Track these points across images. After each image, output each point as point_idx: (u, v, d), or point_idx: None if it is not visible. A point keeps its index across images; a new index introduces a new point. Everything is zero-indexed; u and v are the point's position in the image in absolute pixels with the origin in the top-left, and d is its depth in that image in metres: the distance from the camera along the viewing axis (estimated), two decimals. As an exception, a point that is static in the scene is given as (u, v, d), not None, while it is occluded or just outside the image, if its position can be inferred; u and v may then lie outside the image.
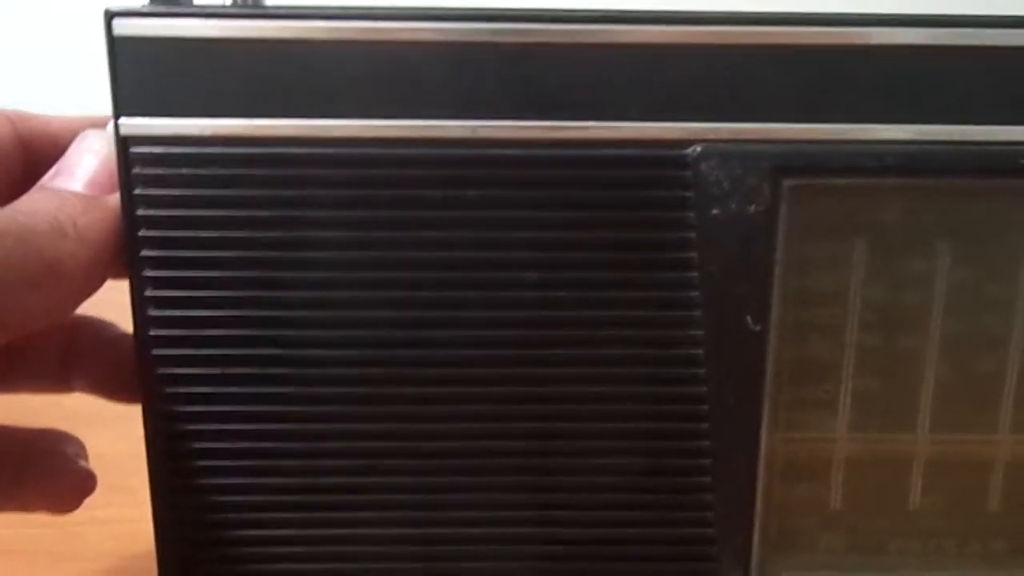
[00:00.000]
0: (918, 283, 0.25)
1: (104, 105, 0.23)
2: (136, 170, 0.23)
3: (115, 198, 0.23)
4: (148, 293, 0.24)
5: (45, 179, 0.24)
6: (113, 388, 0.26)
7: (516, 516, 0.26)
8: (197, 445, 0.24)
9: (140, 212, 0.23)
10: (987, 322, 0.26)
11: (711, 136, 0.23)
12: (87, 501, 0.27)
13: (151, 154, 0.23)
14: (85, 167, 0.24)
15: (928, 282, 0.25)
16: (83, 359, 0.26)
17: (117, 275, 0.24)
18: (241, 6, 0.24)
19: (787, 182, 0.23)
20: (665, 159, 0.23)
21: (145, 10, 0.23)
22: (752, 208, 0.23)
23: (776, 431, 0.26)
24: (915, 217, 0.25)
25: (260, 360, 0.24)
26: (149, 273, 0.23)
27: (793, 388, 0.26)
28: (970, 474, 0.27)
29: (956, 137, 0.23)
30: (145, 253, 0.23)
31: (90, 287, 0.23)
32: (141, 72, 0.23)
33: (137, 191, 0.23)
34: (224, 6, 0.24)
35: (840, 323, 0.25)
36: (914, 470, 0.27)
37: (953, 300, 0.25)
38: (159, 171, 0.23)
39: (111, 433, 0.30)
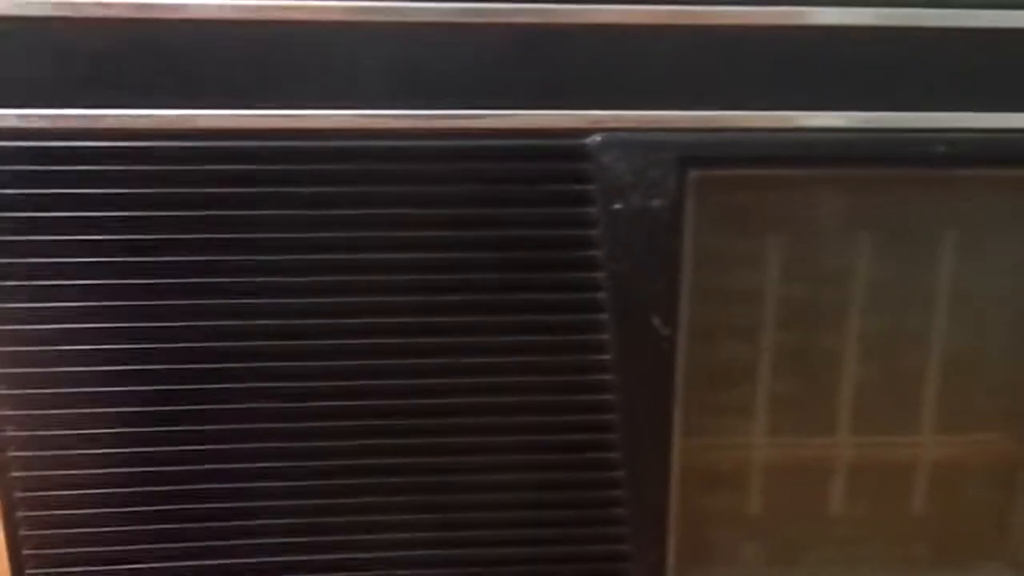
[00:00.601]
0: (837, 279, 0.24)
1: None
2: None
3: None
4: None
5: None
6: None
7: (412, 538, 0.24)
8: (38, 472, 0.22)
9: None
10: (908, 319, 0.24)
11: (612, 124, 0.21)
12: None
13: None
14: None
15: (847, 278, 0.24)
16: None
17: None
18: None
19: (694, 173, 0.22)
20: (562, 150, 0.21)
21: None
22: (657, 202, 0.22)
23: (690, 438, 0.24)
24: (833, 210, 0.23)
25: (103, 377, 0.22)
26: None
27: (707, 392, 0.24)
28: (892, 478, 0.26)
29: (870, 124, 0.21)
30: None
31: None
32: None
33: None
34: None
35: (756, 323, 0.24)
36: (835, 475, 0.25)
37: (873, 297, 0.24)
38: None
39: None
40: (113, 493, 0.23)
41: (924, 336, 0.24)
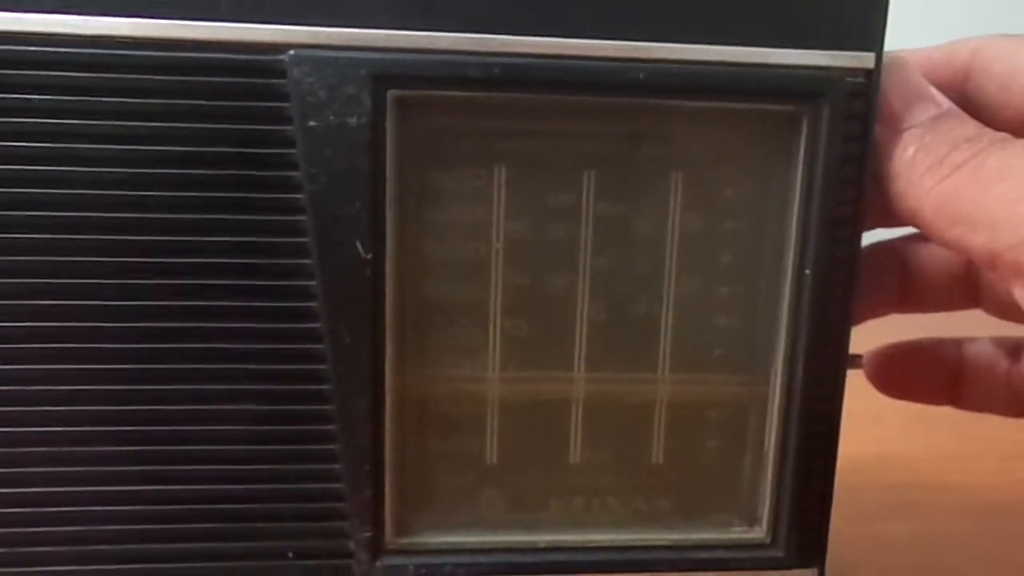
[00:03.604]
0: (564, 216, 0.24)
1: None
2: None
3: None
4: None
5: None
6: None
7: (113, 473, 0.23)
8: None
9: None
10: (637, 258, 0.24)
11: (306, 41, 0.21)
12: None
13: None
14: None
15: (574, 215, 0.24)
16: None
17: None
18: None
19: (392, 93, 0.22)
20: (257, 65, 0.21)
21: None
22: (353, 120, 0.21)
23: (409, 375, 0.24)
24: (554, 142, 0.23)
25: None
26: None
27: (427, 328, 0.24)
28: (631, 422, 0.25)
29: (571, 51, 0.22)
30: None
31: None
32: None
33: None
34: None
35: (481, 258, 0.24)
36: (572, 418, 0.25)
37: (601, 235, 0.24)
38: None
39: None
40: None
41: (656, 277, 0.24)
